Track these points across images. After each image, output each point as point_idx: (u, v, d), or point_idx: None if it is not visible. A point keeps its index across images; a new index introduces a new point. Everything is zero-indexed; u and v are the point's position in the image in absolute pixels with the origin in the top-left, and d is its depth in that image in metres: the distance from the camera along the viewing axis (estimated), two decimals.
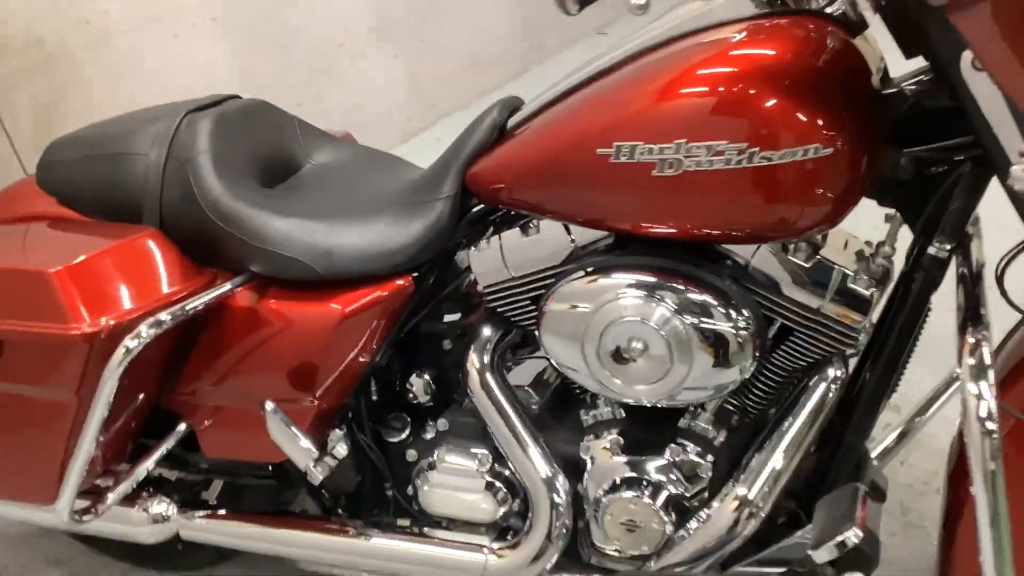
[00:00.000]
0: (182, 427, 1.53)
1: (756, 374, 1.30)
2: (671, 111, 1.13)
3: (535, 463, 1.36)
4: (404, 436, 1.51)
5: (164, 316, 1.31)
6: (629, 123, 1.16)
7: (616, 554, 1.37)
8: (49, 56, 2.49)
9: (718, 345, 1.20)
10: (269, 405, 1.40)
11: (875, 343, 1.29)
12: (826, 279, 1.21)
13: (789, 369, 1.28)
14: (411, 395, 1.50)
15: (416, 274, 1.40)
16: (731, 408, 1.35)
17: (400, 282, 1.38)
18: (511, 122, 1.34)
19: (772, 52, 1.12)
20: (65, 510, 1.40)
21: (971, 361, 1.01)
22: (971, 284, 1.15)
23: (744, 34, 1.14)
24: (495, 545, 1.42)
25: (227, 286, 1.39)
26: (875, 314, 1.26)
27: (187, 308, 1.34)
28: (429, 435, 1.49)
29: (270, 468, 1.62)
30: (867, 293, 1.21)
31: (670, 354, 1.22)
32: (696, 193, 1.15)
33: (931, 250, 1.21)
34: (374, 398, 1.52)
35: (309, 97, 3.11)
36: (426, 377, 1.49)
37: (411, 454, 1.50)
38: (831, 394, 1.26)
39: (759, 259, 1.23)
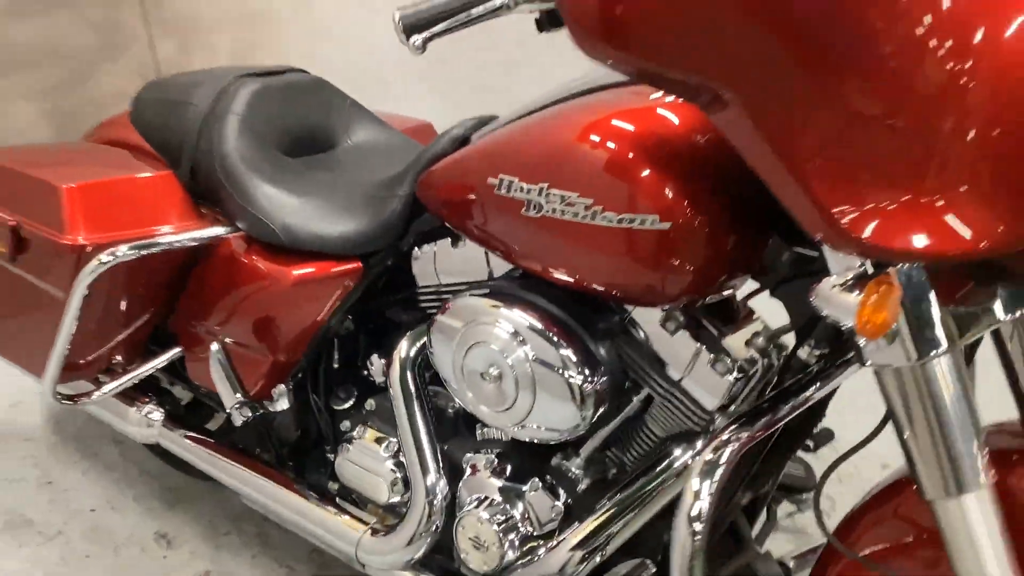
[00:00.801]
0: (176, 349, 1.73)
1: (635, 431, 1.30)
2: (544, 153, 1.17)
3: (422, 462, 1.43)
4: (346, 406, 1.62)
5: (141, 244, 1.51)
6: (514, 158, 1.20)
7: (465, 564, 1.41)
8: (256, 9, 2.80)
9: (562, 394, 1.22)
10: (214, 345, 1.57)
11: None
12: (688, 355, 1.20)
13: (656, 433, 1.27)
14: (368, 372, 1.61)
15: (368, 262, 1.51)
16: (610, 460, 1.35)
17: (349, 265, 1.50)
18: (474, 137, 1.40)
19: (650, 121, 1.12)
20: (48, 389, 1.64)
21: (708, 456, 0.97)
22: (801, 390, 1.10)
23: (645, 99, 1.15)
24: (375, 526, 1.50)
25: (207, 234, 1.57)
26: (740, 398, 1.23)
27: (165, 243, 1.53)
28: (363, 411, 1.59)
29: None
30: (723, 379, 1.18)
31: (516, 389, 1.25)
32: (554, 240, 1.17)
33: (801, 352, 1.16)
34: (335, 365, 1.64)
35: (500, 85, 3.26)
36: (383, 359, 1.59)
37: (345, 424, 1.61)
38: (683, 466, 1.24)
39: (634, 320, 1.24)
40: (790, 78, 0.86)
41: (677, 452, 1.24)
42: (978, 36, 0.84)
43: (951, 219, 0.89)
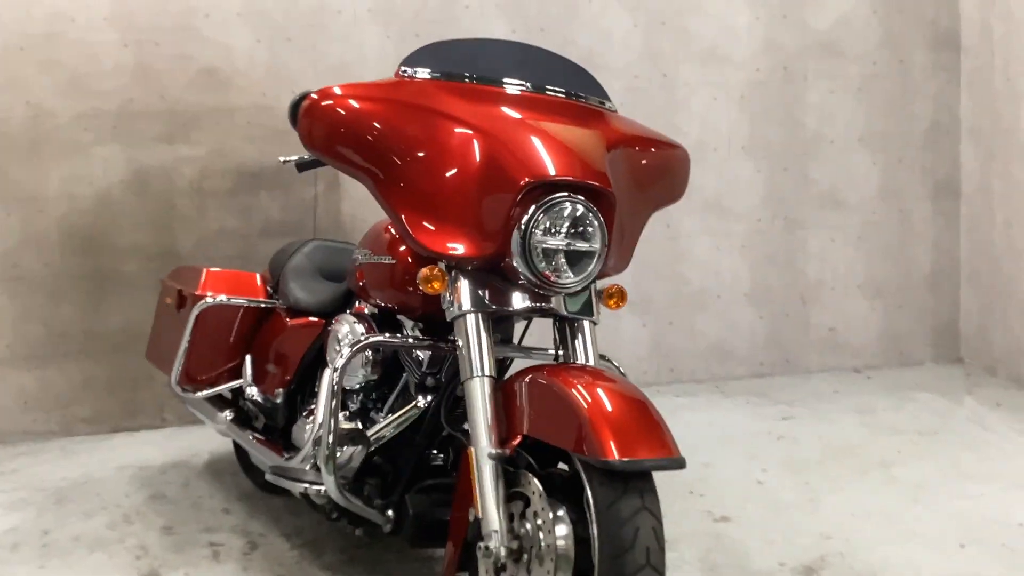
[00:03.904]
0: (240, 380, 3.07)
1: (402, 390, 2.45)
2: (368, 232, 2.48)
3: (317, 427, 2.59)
4: (312, 407, 2.86)
5: (226, 298, 2.95)
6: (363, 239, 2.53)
7: None
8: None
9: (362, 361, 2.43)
10: (248, 359, 2.93)
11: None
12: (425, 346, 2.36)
13: (408, 384, 2.41)
14: None
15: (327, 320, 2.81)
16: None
17: (317, 320, 2.81)
18: None
19: None
20: (173, 381, 3.06)
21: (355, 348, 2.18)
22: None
23: None
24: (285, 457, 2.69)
25: (260, 303, 2.98)
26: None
27: (237, 301, 2.96)
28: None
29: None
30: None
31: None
32: (366, 276, 2.44)
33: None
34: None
35: None
36: None
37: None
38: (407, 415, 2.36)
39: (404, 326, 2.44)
40: (386, 176, 2.13)
41: (419, 398, 2.35)
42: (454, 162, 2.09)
43: (453, 239, 2.08)
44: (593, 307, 2.22)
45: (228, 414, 3.10)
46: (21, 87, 4.00)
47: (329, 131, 2.16)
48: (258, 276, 3.15)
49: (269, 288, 3.11)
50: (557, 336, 2.25)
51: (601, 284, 2.26)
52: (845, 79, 4.51)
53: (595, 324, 2.23)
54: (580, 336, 2.21)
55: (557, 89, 2.33)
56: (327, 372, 2.52)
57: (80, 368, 4.21)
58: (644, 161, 2.39)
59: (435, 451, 2.43)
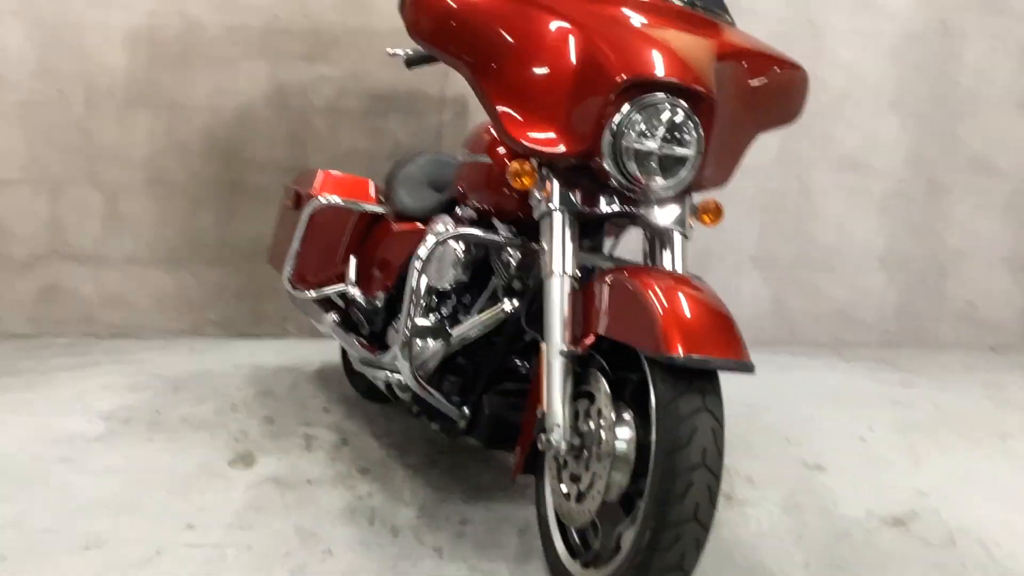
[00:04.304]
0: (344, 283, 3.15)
1: (491, 293, 2.45)
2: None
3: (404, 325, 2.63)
4: None
5: (336, 199, 3.02)
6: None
7: None
8: None
9: (450, 261, 2.44)
10: (352, 260, 2.98)
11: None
12: (517, 243, 2.35)
13: (495, 287, 2.41)
14: None
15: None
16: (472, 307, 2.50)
17: (420, 227, 2.84)
18: None
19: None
20: (284, 279, 3.15)
21: (441, 237, 2.19)
22: None
23: None
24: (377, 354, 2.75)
25: (369, 208, 3.03)
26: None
27: (346, 203, 3.02)
28: None
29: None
30: (517, 255, 2.33)
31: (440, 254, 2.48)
32: (465, 174, 2.45)
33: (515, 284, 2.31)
34: None
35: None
36: None
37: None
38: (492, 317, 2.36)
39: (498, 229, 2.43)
40: (486, 68, 2.12)
41: (505, 301, 2.35)
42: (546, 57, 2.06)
43: (546, 135, 2.06)
44: (685, 219, 2.16)
45: (334, 316, 3.19)
46: None
47: (434, 20, 2.16)
48: (371, 183, 3.21)
49: (381, 197, 3.17)
50: (647, 247, 2.20)
51: (697, 198, 2.20)
52: (1007, 38, 4.24)
53: (686, 238, 2.17)
54: (669, 248, 2.15)
55: None
56: None
57: (213, 274, 4.41)
58: (756, 76, 2.30)
59: (518, 360, 2.43)
